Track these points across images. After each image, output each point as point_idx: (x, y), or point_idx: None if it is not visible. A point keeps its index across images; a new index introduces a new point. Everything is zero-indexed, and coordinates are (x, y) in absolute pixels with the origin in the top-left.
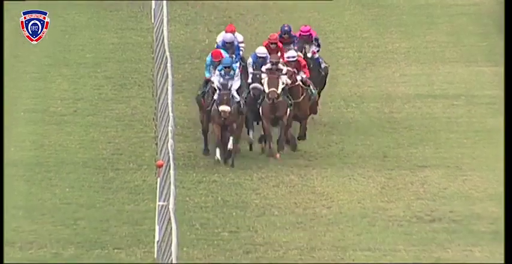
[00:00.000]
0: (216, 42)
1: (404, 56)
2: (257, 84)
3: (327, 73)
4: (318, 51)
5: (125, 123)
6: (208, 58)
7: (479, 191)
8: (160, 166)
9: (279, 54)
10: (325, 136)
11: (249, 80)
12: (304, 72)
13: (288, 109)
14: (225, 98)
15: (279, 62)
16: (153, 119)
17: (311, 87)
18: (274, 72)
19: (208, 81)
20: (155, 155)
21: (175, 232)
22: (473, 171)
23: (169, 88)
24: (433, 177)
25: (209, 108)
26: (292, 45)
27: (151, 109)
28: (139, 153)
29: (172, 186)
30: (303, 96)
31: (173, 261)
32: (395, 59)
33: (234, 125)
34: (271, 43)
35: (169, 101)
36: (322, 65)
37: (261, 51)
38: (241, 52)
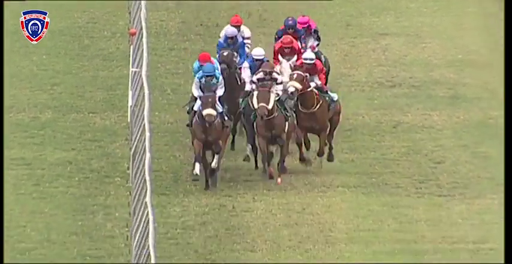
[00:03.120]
0: (219, 37)
1: None
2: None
3: (329, 67)
4: (317, 45)
5: None
6: (196, 64)
7: (438, 58)
8: (133, 34)
9: (295, 57)
10: None
11: (247, 87)
12: (320, 78)
13: (287, 123)
14: (209, 100)
15: (272, 72)
16: None
17: (330, 93)
18: (265, 84)
19: None
20: (128, 23)
21: (147, 97)
22: (432, 38)
23: None
24: (394, 44)
25: (190, 122)
26: (299, 42)
27: None
28: (113, 21)
29: (144, 53)
30: (319, 105)
31: (146, 125)
32: None
33: (219, 142)
34: (286, 47)
35: None
36: (322, 59)
37: (258, 52)
38: (247, 49)
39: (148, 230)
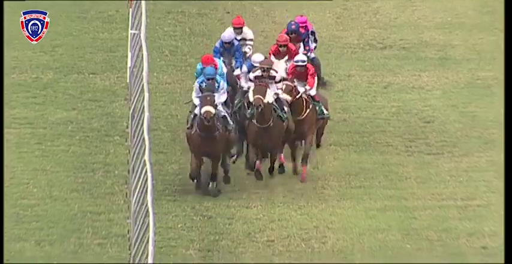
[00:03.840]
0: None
1: None
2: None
3: (321, 72)
4: (315, 47)
5: None
6: (199, 66)
7: (428, 20)
8: None
9: (286, 58)
10: None
11: (243, 85)
12: (308, 82)
13: (284, 124)
14: (208, 99)
15: (270, 69)
16: None
17: (320, 104)
18: (263, 81)
19: None
20: None
21: (146, 58)
22: (422, 1)
23: None
24: (385, 7)
25: (189, 125)
26: (302, 46)
27: None
28: None
29: (143, 16)
30: (306, 113)
31: (144, 86)
32: None
33: (219, 155)
34: (281, 45)
35: None
36: (319, 63)
37: (258, 59)
38: (248, 49)
39: (147, 187)
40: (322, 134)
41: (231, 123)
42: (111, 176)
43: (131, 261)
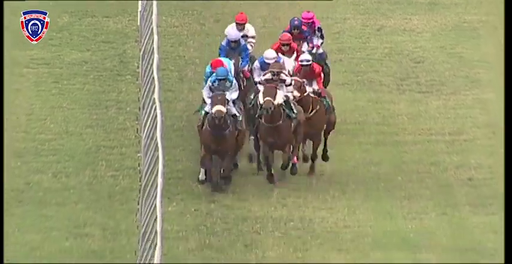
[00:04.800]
0: (226, 35)
1: None
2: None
3: (329, 69)
4: (321, 43)
5: None
6: (208, 69)
7: None
8: None
9: (294, 56)
10: None
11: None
12: (317, 82)
13: (292, 125)
14: (219, 98)
15: (281, 72)
16: None
17: (327, 99)
18: (272, 81)
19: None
20: None
21: (155, 2)
22: None
23: None
24: None
25: (200, 124)
26: (305, 43)
27: None
28: None
29: None
30: (315, 111)
31: (154, 29)
32: None
33: (229, 154)
34: (283, 44)
35: None
36: (328, 61)
37: (270, 55)
38: (249, 46)
39: (156, 123)
40: (329, 132)
41: (241, 118)
42: (123, 112)
43: (141, 192)
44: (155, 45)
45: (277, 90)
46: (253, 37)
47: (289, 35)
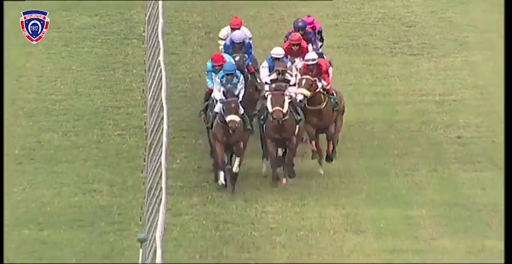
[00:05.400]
0: (220, 38)
1: None
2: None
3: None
4: (321, 46)
5: None
6: (209, 63)
7: None
8: None
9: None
10: None
11: (267, 88)
12: (325, 79)
13: (297, 126)
14: (232, 105)
15: (286, 72)
16: None
17: (335, 96)
18: (279, 87)
19: (211, 93)
20: None
21: None
22: None
23: None
24: None
25: (209, 124)
26: (310, 45)
27: None
28: None
29: None
30: (325, 103)
31: None
32: None
33: (241, 144)
34: (293, 44)
35: None
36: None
37: (277, 51)
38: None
39: (161, 84)
40: (340, 129)
41: (249, 121)
42: (130, 74)
43: (147, 150)
44: (160, 11)
45: (285, 97)
46: (250, 38)
47: (299, 35)
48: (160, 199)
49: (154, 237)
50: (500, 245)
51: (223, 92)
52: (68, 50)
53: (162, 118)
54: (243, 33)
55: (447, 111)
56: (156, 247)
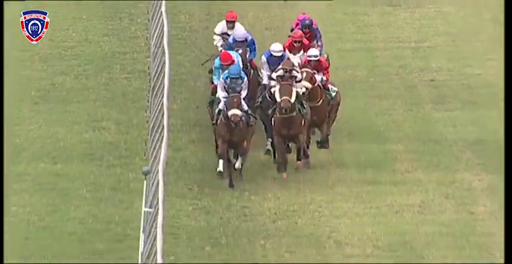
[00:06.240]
0: (215, 33)
1: None
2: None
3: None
4: (321, 45)
5: None
6: (217, 61)
7: None
8: None
9: (302, 52)
10: None
11: (265, 81)
12: (324, 74)
13: (304, 121)
14: (235, 100)
15: (293, 70)
16: None
17: (331, 90)
18: (286, 80)
19: (217, 88)
20: None
21: None
22: None
23: None
24: None
25: (214, 120)
26: (315, 42)
27: None
28: None
29: None
30: (321, 100)
31: None
32: None
33: (244, 144)
34: (296, 41)
35: None
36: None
37: (277, 48)
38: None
39: (163, 32)
40: (333, 121)
41: (252, 118)
42: (135, 23)
43: (151, 91)
44: None
45: (293, 88)
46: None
47: (301, 32)
48: (163, 136)
49: (157, 170)
50: (468, 177)
51: (226, 88)
52: (78, 1)
53: (164, 63)
54: (244, 32)
55: (421, 56)
56: (158, 179)
